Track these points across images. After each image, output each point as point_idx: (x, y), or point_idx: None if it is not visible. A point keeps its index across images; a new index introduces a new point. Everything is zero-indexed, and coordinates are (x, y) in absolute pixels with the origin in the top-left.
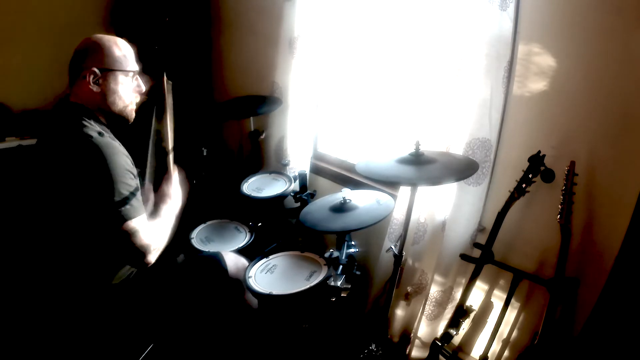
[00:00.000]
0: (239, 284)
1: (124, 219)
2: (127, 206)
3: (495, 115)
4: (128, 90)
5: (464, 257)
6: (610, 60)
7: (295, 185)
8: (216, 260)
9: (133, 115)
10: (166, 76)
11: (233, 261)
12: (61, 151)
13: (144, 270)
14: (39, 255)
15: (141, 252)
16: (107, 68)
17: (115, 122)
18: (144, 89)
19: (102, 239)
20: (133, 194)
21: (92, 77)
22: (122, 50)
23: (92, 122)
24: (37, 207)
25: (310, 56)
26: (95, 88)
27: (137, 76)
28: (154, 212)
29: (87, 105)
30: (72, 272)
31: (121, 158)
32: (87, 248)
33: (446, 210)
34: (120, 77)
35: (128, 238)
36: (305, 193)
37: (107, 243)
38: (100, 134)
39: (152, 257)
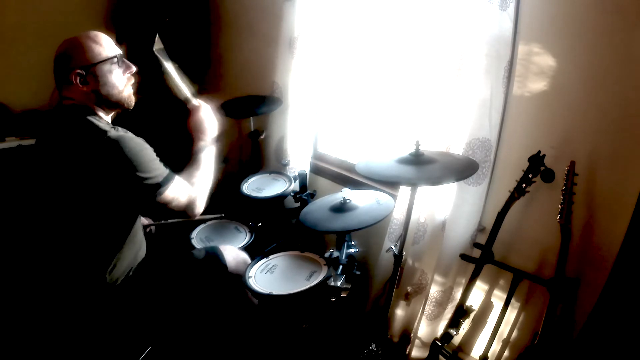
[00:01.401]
0: (239, 279)
1: (158, 192)
2: (158, 180)
3: (495, 115)
4: (118, 76)
5: (464, 257)
6: (610, 60)
7: (295, 185)
8: (215, 256)
9: (132, 100)
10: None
11: (232, 255)
12: (77, 151)
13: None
14: (40, 255)
15: (186, 211)
16: (89, 63)
17: (118, 114)
18: (134, 68)
19: (112, 235)
20: (158, 163)
21: (78, 78)
22: (97, 40)
23: (98, 120)
24: (42, 207)
25: (310, 56)
26: (85, 88)
27: (122, 59)
28: (192, 160)
29: (85, 105)
30: (73, 271)
31: (137, 141)
32: (89, 247)
33: (446, 210)
34: (105, 66)
35: (169, 206)
36: (305, 193)
37: (118, 241)
38: (114, 128)
39: (199, 210)
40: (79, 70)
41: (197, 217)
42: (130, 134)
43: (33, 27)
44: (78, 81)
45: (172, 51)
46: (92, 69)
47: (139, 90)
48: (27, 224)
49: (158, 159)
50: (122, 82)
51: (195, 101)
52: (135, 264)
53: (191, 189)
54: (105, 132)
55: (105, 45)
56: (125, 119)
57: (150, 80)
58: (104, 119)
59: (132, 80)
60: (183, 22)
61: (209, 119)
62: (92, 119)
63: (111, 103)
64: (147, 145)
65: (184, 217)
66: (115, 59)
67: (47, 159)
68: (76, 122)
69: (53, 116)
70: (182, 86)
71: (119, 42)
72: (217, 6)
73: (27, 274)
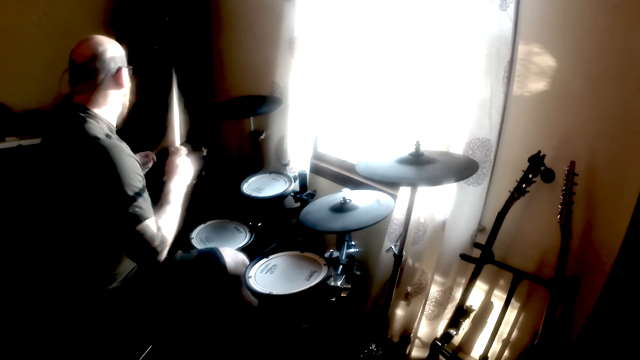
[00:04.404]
0: (237, 280)
1: (134, 222)
2: (137, 209)
3: (495, 115)
4: (130, 84)
5: (464, 257)
6: (610, 60)
7: (295, 185)
8: (215, 257)
9: (126, 108)
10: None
11: (231, 257)
12: (69, 153)
13: (151, 267)
14: (39, 256)
15: (152, 252)
16: (127, 65)
17: (118, 119)
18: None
19: (110, 240)
20: (141, 195)
21: (126, 72)
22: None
23: (98, 124)
24: (41, 208)
25: (310, 56)
26: (121, 86)
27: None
28: (162, 199)
29: (94, 107)
30: (73, 273)
31: (128, 160)
32: (89, 249)
33: (446, 210)
34: (127, 71)
35: (139, 240)
36: (305, 193)
37: (116, 244)
38: (107, 135)
39: (162, 255)
40: (125, 68)
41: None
42: (123, 146)
43: (33, 27)
44: (122, 75)
45: (172, 51)
46: (122, 69)
47: (138, 91)
48: (30, 224)
49: (146, 189)
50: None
51: (176, 146)
52: (135, 265)
53: (163, 230)
54: (97, 138)
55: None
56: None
57: (146, 81)
58: (109, 121)
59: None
60: (183, 22)
61: (184, 165)
62: (90, 122)
63: (125, 103)
64: (136, 166)
65: (145, 260)
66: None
67: (45, 160)
68: (73, 124)
69: (57, 114)
70: (177, 129)
71: (119, 42)
72: (217, 6)
73: (29, 274)
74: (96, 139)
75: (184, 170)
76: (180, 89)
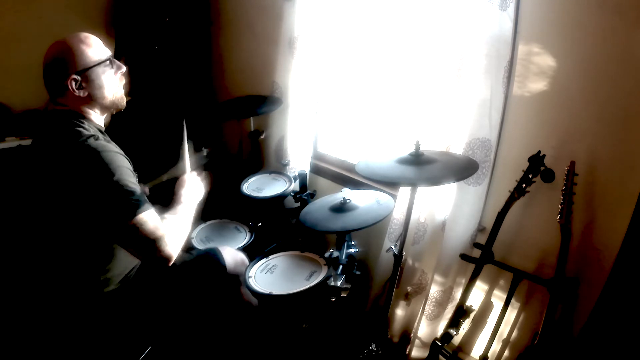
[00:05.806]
0: (237, 279)
1: (131, 214)
2: (132, 202)
3: (495, 115)
4: (111, 78)
5: (464, 257)
6: (610, 60)
7: (295, 185)
8: (215, 257)
9: (124, 102)
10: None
11: (231, 256)
12: (58, 158)
13: (158, 262)
14: (37, 257)
15: (153, 246)
16: (84, 68)
17: (110, 116)
18: (124, 68)
19: (107, 240)
20: (136, 189)
21: (74, 84)
22: (89, 43)
23: (84, 126)
24: (36, 211)
25: (310, 56)
26: (81, 93)
27: (113, 60)
28: (172, 203)
29: (75, 109)
30: (70, 274)
31: (118, 157)
32: (87, 250)
33: (446, 210)
34: (99, 69)
35: (136, 232)
36: (305, 193)
37: (117, 242)
38: (94, 137)
39: (169, 251)
40: (74, 76)
41: (170, 261)
42: (112, 145)
43: (33, 27)
44: (74, 86)
45: (172, 51)
46: (86, 73)
47: (131, 91)
48: (27, 227)
49: (137, 183)
50: (115, 83)
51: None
52: (135, 266)
53: (164, 224)
54: (85, 140)
55: (97, 48)
56: (118, 120)
57: (146, 81)
58: (96, 122)
59: (123, 81)
60: (183, 22)
61: (194, 186)
62: (78, 126)
63: (105, 105)
64: (127, 163)
65: (150, 253)
66: (108, 61)
67: (35, 164)
68: (60, 128)
69: (42, 121)
70: (188, 163)
71: (119, 42)
72: (217, 6)
73: (27, 275)
74: (84, 141)
75: (194, 185)
76: (181, 90)
